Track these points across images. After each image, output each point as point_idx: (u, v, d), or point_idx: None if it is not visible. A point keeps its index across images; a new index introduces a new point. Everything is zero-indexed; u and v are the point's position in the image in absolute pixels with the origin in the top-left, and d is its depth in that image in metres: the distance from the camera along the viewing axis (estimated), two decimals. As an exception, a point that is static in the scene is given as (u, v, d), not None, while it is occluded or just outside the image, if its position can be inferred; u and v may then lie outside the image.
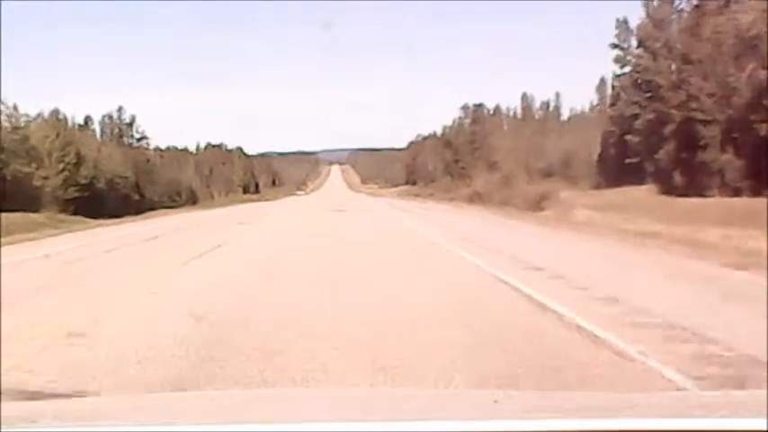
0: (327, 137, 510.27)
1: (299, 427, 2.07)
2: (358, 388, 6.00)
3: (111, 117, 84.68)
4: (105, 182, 67.47)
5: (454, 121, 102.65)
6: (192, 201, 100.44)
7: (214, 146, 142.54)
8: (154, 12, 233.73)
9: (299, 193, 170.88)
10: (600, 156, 53.79)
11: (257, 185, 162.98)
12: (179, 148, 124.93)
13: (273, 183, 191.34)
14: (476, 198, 44.26)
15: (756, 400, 2.31)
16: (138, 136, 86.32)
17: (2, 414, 2.11)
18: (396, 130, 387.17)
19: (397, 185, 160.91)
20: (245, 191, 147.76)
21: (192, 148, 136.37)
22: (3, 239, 24.50)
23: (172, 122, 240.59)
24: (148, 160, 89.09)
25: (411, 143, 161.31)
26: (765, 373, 6.31)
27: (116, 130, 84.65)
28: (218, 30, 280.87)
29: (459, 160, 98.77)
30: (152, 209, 79.00)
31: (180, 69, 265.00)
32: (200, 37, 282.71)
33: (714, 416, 2.12)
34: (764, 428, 1.85)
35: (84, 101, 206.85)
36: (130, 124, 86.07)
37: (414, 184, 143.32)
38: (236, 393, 4.67)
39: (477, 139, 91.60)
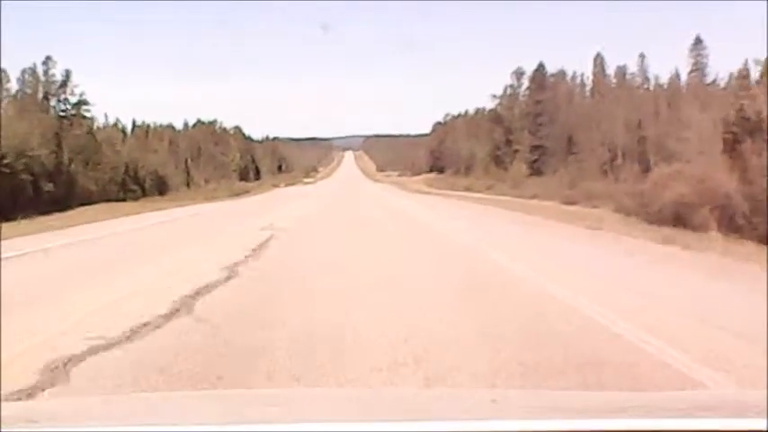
0: (341, 123, 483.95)
1: (299, 427, 1.99)
2: (358, 388, 5.33)
3: (33, 71, 57.52)
4: (-19, 162, 40.96)
5: (505, 90, 74.83)
6: (160, 190, 73.45)
7: (204, 123, 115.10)
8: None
9: (306, 180, 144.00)
10: None
11: (258, 171, 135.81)
12: (161, 124, 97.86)
13: (280, 168, 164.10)
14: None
15: (756, 400, 2.25)
16: (74, 99, 59.03)
17: (2, 414, 2.03)
18: (412, 115, 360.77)
19: (419, 173, 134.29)
20: (244, 177, 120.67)
21: (180, 126, 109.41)
22: None
23: (178, 109, 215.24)
24: (90, 133, 62.00)
25: (437, 124, 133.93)
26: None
27: (40, 91, 57.51)
28: (229, 16, 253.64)
29: (513, 141, 71.21)
30: (88, 202, 52.43)
31: (187, 54, 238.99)
32: (209, 24, 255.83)
33: (714, 416, 2.05)
34: (764, 428, 1.78)
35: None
36: (64, 84, 58.85)
37: (441, 171, 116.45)
38: (237, 393, 4.33)
39: (544, 110, 63.71)
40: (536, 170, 62.50)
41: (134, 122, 79.58)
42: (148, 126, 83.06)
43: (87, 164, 58.57)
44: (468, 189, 53.70)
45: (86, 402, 3.61)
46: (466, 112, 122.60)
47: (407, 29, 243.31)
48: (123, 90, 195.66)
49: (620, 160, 53.09)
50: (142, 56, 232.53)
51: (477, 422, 1.97)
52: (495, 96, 74.91)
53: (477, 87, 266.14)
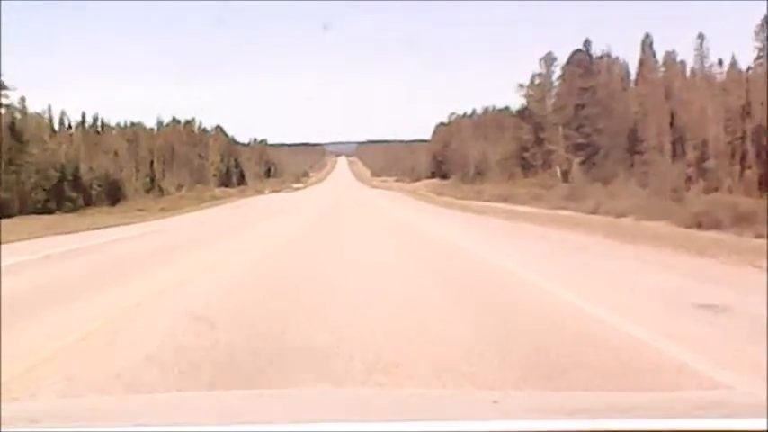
0: (334, 129, 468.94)
1: (299, 427, 1.95)
2: (358, 388, 5.00)
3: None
4: None
5: (533, 78, 59.85)
6: (113, 198, 58.42)
7: (181, 123, 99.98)
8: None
9: (295, 186, 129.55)
10: None
11: (243, 176, 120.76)
12: (131, 122, 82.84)
13: (268, 173, 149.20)
14: None
15: (756, 400, 2.21)
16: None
17: (2, 414, 1.98)
18: (407, 120, 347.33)
19: (418, 179, 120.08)
20: (225, 182, 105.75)
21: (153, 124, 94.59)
22: None
23: (165, 112, 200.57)
24: (12, 126, 46.99)
25: (440, 125, 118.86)
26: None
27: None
28: (221, 18, 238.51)
29: (545, 139, 56.41)
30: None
31: (175, 55, 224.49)
32: (200, 24, 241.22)
33: (714, 416, 2.02)
34: (764, 428, 1.73)
35: (79, 89, 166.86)
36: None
37: (444, 177, 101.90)
38: (236, 393, 4.01)
39: (592, 100, 48.87)
40: (584, 175, 47.74)
41: (83, 117, 64.22)
42: (103, 122, 67.63)
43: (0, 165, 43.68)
44: (504, 200, 38.89)
45: (86, 402, 3.58)
46: (473, 111, 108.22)
47: (403, 30, 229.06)
48: (102, 90, 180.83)
49: (711, 161, 38.17)
50: (126, 55, 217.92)
51: (478, 422, 1.92)
52: (521, 86, 59.87)
53: (479, 88, 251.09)
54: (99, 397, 4.78)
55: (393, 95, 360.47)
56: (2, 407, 2.13)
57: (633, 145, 43.03)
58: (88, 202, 54.63)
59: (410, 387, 5.09)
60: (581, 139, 48.79)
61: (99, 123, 66.90)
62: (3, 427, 1.85)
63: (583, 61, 49.53)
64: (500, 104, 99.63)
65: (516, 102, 67.88)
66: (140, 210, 48.66)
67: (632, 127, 43.68)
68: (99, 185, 57.91)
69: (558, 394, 4.01)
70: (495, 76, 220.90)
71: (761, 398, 2.14)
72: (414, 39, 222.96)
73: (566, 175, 53.47)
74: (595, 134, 46.62)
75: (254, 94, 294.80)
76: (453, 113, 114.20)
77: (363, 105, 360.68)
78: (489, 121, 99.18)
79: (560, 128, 55.96)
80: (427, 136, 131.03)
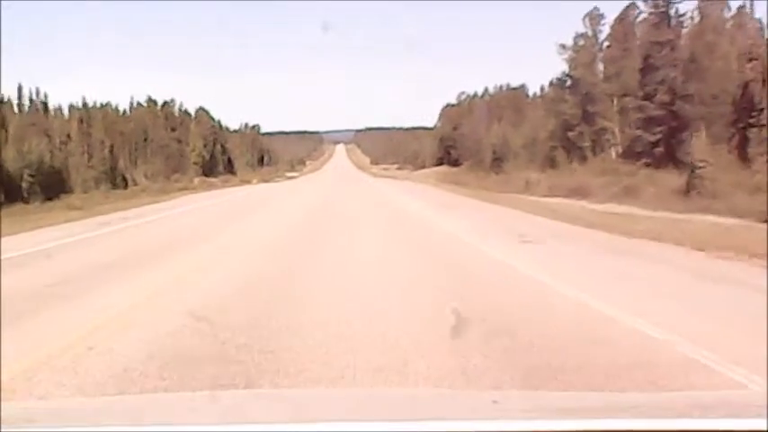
0: (332, 117, 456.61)
1: (300, 427, 1.92)
2: (358, 388, 4.93)
3: None
4: None
5: (575, 40, 46.91)
6: (52, 193, 45.63)
7: (158, 104, 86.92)
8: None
9: (290, 175, 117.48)
10: None
11: (231, 163, 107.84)
12: (101, 104, 70.26)
13: (261, 162, 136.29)
14: None
15: (756, 400, 2.18)
16: None
17: (2, 414, 1.94)
18: (406, 107, 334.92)
19: (422, 166, 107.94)
20: (209, 171, 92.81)
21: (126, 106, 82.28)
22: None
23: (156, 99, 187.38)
24: None
25: (448, 107, 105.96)
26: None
27: None
28: (221, 9, 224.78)
29: (598, 113, 43.57)
30: None
31: (180, 49, 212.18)
32: (200, 16, 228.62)
33: (714, 416, 1.97)
34: (764, 428, 1.71)
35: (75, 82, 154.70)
36: None
37: (454, 164, 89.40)
38: (236, 393, 4.17)
39: (673, 59, 35.97)
40: (656, 158, 35.27)
41: (20, 91, 51.10)
42: (46, 101, 54.38)
43: None
44: (573, 195, 26.17)
45: (87, 402, 3.51)
46: (485, 90, 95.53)
47: (403, 17, 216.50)
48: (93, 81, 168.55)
49: None
50: (124, 44, 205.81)
51: (477, 422, 1.89)
52: (563, 47, 46.91)
53: (486, 70, 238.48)
54: (99, 397, 4.63)
55: (392, 82, 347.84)
56: (2, 407, 2.07)
57: (741, 116, 30.21)
58: (14, 197, 42.07)
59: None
60: (655, 111, 35.97)
61: (43, 101, 53.77)
62: (3, 426, 1.80)
63: (658, 8, 36.62)
64: (514, 83, 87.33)
65: (537, 77, 55.16)
66: (73, 208, 36.06)
67: (739, 92, 30.89)
68: (31, 176, 45.19)
69: (558, 394, 3.89)
70: (503, 56, 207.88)
71: (761, 398, 2.07)
72: (413, 25, 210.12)
73: (623, 156, 40.80)
74: (681, 102, 33.79)
75: (250, 83, 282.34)
76: (463, 92, 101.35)
77: (361, 93, 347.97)
78: (504, 101, 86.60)
79: (615, 99, 43.24)
80: (428, 123, 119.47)
